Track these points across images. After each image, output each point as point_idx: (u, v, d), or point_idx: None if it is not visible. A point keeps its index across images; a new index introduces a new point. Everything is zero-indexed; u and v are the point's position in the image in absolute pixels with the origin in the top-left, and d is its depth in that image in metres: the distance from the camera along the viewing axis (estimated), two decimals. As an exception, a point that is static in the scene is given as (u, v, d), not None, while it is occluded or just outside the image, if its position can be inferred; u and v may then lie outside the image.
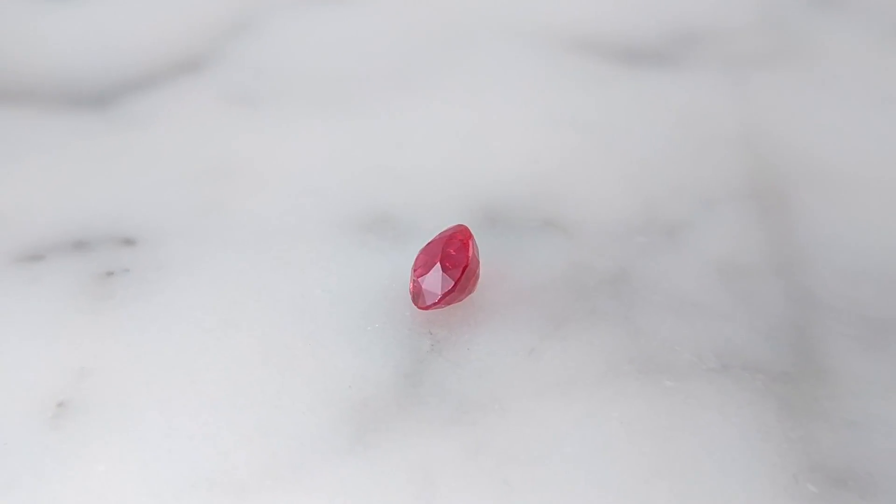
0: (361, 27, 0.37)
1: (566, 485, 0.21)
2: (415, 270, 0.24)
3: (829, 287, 0.25)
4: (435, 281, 0.24)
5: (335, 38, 0.36)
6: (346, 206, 0.28)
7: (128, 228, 0.27)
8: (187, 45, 0.35)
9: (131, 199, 0.28)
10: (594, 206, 0.28)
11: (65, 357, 0.23)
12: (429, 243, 0.25)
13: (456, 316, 0.25)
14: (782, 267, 0.26)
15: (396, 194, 0.28)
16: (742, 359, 0.23)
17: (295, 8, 0.38)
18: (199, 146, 0.31)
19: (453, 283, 0.24)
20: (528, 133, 0.31)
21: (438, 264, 0.24)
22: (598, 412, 0.22)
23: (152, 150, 0.31)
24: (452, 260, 0.24)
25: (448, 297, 0.24)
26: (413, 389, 0.23)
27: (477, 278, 0.25)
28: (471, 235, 0.25)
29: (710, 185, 0.29)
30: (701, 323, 0.24)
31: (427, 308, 0.24)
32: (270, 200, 0.28)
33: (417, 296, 0.24)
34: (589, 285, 0.25)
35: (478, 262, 0.25)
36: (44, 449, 0.21)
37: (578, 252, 0.26)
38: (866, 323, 0.24)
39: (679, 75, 0.34)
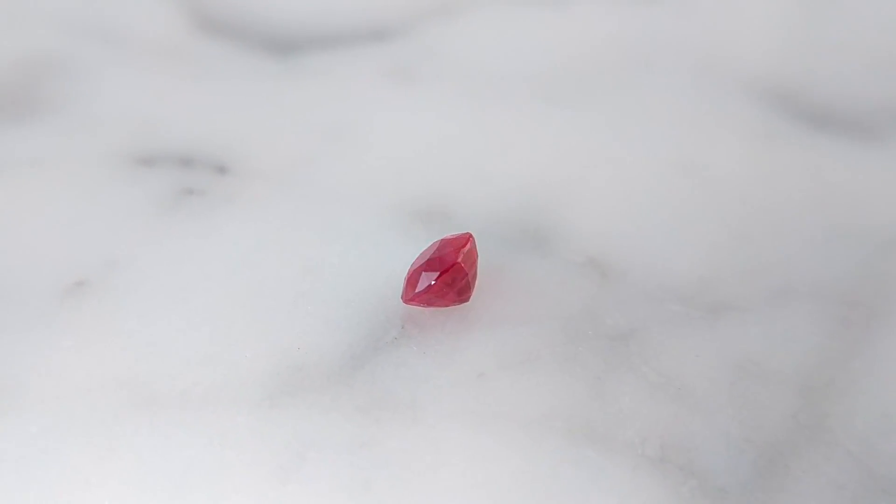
0: (553, 32, 0.37)
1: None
2: (412, 265, 0.24)
3: (852, 434, 0.21)
4: (416, 277, 0.24)
5: (525, 37, 0.37)
6: (408, 193, 0.29)
7: (229, 158, 0.30)
8: (383, 16, 0.38)
9: (253, 135, 0.32)
10: (653, 258, 0.26)
11: (105, 247, 0.27)
12: (437, 243, 0.25)
13: (438, 319, 0.24)
14: (812, 391, 0.22)
15: (458, 191, 0.29)
16: (688, 460, 0.21)
17: (500, 5, 0.39)
18: (344, 108, 0.33)
19: (432, 282, 0.24)
20: (648, 171, 0.29)
21: (425, 262, 0.24)
22: (501, 456, 0.21)
23: (302, 101, 0.33)
24: (440, 261, 0.24)
25: (427, 296, 0.24)
26: (350, 370, 0.23)
27: (470, 288, 0.24)
28: (466, 242, 0.24)
29: (803, 277, 0.25)
30: (673, 409, 0.22)
31: (409, 302, 0.24)
32: (363, 173, 0.30)
33: (404, 289, 0.24)
34: (587, 333, 0.24)
35: (474, 272, 0.24)
36: (52, 318, 0.25)
37: (601, 298, 0.25)
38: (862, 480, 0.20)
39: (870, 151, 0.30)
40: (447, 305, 0.24)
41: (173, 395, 0.23)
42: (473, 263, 0.25)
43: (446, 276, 0.24)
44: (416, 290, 0.24)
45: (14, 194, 0.29)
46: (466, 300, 0.24)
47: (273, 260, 0.26)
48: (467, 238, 0.25)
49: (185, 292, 0.25)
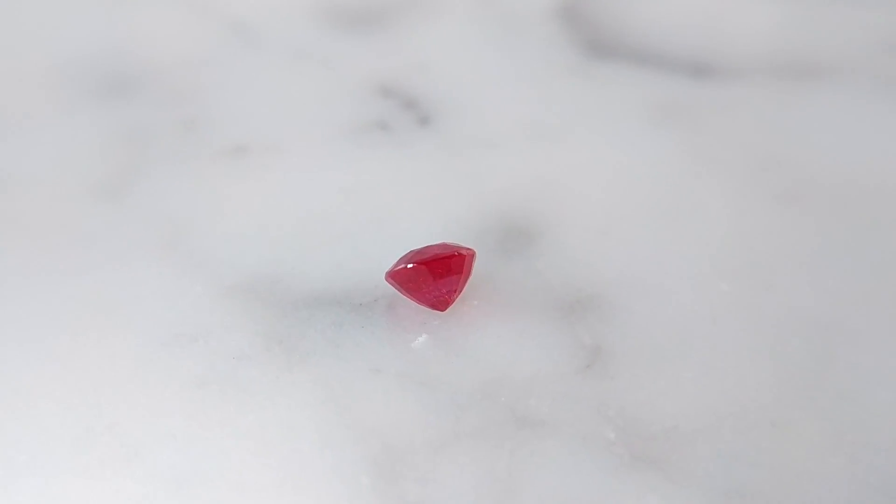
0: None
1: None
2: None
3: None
4: (408, 257, 0.25)
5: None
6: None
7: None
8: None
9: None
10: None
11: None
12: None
13: (405, 311, 0.25)
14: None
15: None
16: None
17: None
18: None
19: (402, 266, 0.25)
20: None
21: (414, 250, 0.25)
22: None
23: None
24: (426, 255, 0.25)
25: (397, 277, 0.25)
26: (292, 328, 0.25)
27: (450, 300, 0.25)
28: (456, 254, 0.25)
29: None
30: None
31: (387, 274, 0.25)
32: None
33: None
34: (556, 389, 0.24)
35: (457, 281, 0.25)
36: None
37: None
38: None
39: None
40: (420, 302, 0.25)
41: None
42: (464, 274, 0.25)
43: (411, 268, 0.24)
44: (394, 268, 0.24)
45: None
46: (441, 309, 0.25)
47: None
48: (461, 249, 0.25)
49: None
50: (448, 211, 0.29)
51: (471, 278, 0.26)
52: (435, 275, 0.24)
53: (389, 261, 0.25)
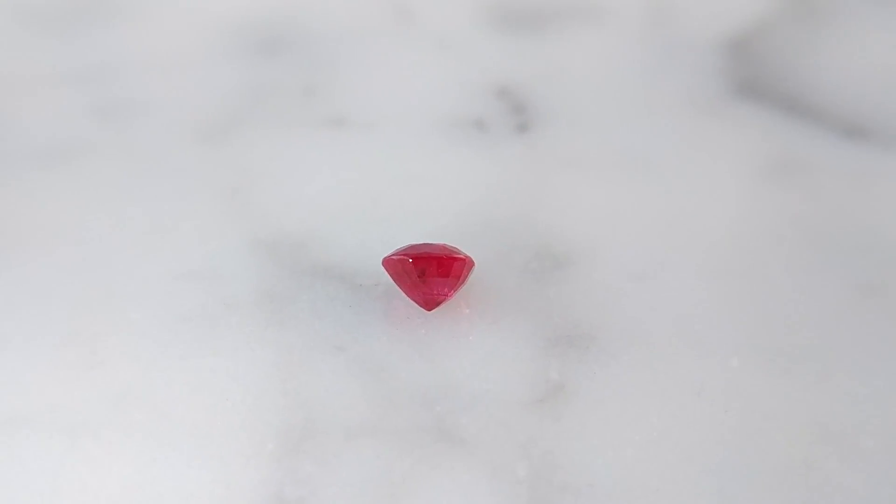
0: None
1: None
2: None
3: None
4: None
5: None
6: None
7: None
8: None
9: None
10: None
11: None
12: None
13: (397, 302, 0.25)
14: None
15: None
16: None
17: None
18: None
19: (393, 255, 0.25)
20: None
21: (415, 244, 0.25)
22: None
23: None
24: (419, 251, 0.25)
25: (387, 264, 0.25)
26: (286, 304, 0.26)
27: (433, 299, 0.25)
28: (448, 257, 0.25)
29: None
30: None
31: (383, 260, 0.25)
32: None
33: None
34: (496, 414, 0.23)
35: (444, 283, 0.25)
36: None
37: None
38: None
39: None
40: (410, 296, 0.25)
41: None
42: (453, 278, 0.25)
43: (423, 262, 0.25)
44: (391, 254, 0.25)
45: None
46: (427, 308, 0.25)
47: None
48: (467, 260, 0.25)
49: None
50: (493, 219, 0.28)
51: (476, 289, 0.26)
52: (419, 271, 0.24)
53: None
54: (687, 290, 0.26)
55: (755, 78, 0.35)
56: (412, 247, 0.25)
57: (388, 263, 0.25)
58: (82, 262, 0.27)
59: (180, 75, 0.34)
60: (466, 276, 0.25)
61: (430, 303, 0.25)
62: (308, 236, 0.28)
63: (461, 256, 0.25)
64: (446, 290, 0.25)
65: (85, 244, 0.27)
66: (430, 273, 0.24)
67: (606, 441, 0.22)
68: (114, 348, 0.24)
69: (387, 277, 0.26)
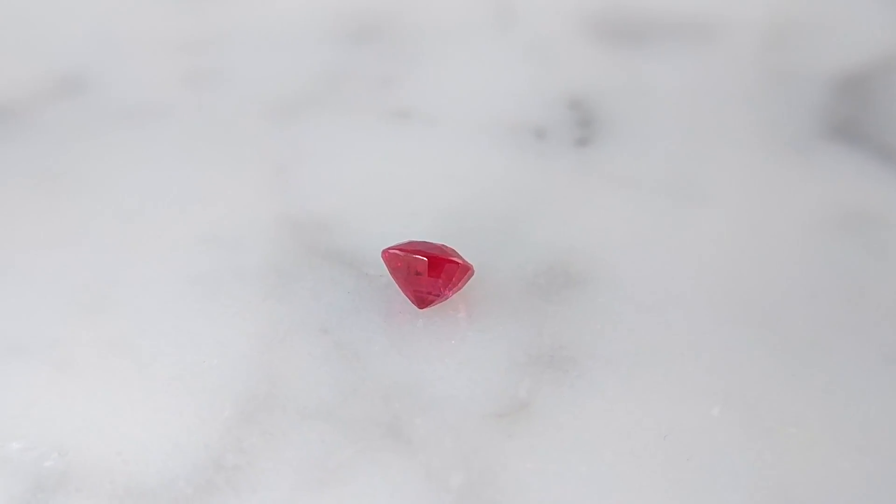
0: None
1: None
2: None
3: None
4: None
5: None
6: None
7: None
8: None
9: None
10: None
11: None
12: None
13: (395, 296, 0.25)
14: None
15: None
16: None
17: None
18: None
19: (391, 249, 0.25)
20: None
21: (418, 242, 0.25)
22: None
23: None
24: (416, 248, 0.25)
25: (385, 257, 0.25)
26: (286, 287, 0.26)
27: (425, 298, 0.25)
28: (442, 258, 0.24)
29: None
30: None
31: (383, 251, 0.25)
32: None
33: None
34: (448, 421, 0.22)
35: (436, 284, 0.24)
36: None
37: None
38: None
39: None
40: (404, 291, 0.25)
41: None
42: (444, 280, 0.25)
43: (416, 260, 0.24)
44: (390, 246, 0.25)
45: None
46: (419, 307, 0.25)
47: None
48: (464, 266, 0.25)
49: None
50: (518, 230, 0.28)
51: (477, 295, 0.25)
52: (412, 268, 0.24)
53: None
54: (690, 330, 0.24)
55: (856, 119, 0.32)
56: (411, 243, 0.25)
57: (386, 256, 0.25)
58: (123, 214, 0.29)
59: (270, 53, 0.36)
60: (462, 282, 0.25)
61: (421, 301, 0.25)
62: (333, 219, 0.28)
63: (456, 260, 0.24)
64: (436, 290, 0.24)
65: (130, 200, 0.29)
66: (421, 271, 0.24)
67: (550, 468, 0.21)
68: (122, 297, 0.26)
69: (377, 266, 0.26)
